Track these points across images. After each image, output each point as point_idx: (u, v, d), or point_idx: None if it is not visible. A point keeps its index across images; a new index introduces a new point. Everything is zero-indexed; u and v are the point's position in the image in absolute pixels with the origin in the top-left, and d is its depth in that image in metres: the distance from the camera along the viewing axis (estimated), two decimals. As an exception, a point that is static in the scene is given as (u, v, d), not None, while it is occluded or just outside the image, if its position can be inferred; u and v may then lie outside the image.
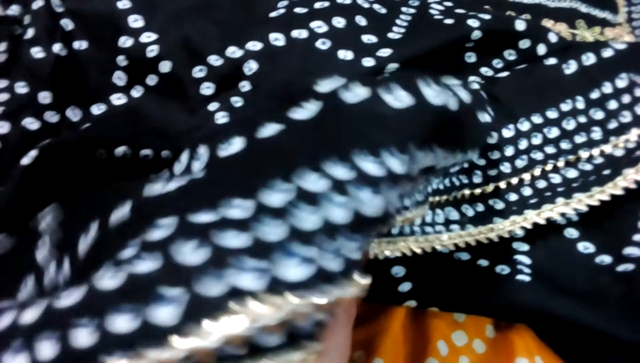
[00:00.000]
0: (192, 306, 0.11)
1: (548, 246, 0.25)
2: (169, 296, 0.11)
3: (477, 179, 0.26)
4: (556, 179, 0.26)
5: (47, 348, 0.11)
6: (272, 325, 0.11)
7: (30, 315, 0.12)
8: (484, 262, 0.25)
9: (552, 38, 0.29)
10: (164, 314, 0.11)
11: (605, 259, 0.24)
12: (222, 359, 0.11)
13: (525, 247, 0.25)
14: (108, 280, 0.12)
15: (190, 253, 0.12)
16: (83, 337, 0.11)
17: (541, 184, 0.26)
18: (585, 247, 0.25)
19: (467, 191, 0.26)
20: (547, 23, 0.33)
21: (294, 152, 0.14)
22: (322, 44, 0.27)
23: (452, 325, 0.26)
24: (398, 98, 0.15)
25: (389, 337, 0.25)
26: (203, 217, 0.12)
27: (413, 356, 0.25)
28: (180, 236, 0.12)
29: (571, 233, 0.25)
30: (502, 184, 0.26)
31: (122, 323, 0.11)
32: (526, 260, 0.25)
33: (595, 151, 0.27)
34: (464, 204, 0.26)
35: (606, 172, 0.26)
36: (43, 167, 0.21)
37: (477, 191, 0.26)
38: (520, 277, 0.25)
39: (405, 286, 0.25)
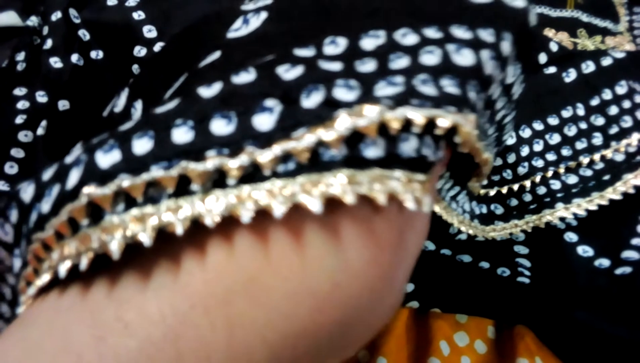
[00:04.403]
0: (289, 114, 0.12)
1: (548, 249, 0.25)
2: (267, 105, 0.12)
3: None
4: (556, 185, 0.27)
5: (142, 144, 0.11)
6: (369, 131, 0.11)
7: (126, 126, 0.12)
8: (485, 264, 0.26)
9: (553, 47, 0.30)
10: (263, 120, 0.11)
11: (604, 262, 0.25)
12: (323, 163, 0.11)
13: (525, 250, 0.25)
14: (207, 89, 0.12)
15: (289, 71, 0.13)
16: (181, 134, 0.11)
17: (541, 190, 0.27)
18: (585, 251, 0.25)
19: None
20: (549, 32, 0.33)
21: (397, 12, 0.14)
22: None
23: (454, 325, 0.26)
24: None
25: (392, 337, 0.26)
26: (304, 52, 0.13)
27: (416, 356, 0.26)
28: (282, 61, 0.13)
29: (571, 237, 0.26)
30: (504, 190, 0.27)
31: (221, 125, 0.11)
32: (526, 262, 0.25)
33: (596, 156, 0.27)
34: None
35: (606, 177, 0.26)
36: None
37: (482, 192, 0.27)
38: (520, 279, 0.26)
39: (408, 287, 0.26)
